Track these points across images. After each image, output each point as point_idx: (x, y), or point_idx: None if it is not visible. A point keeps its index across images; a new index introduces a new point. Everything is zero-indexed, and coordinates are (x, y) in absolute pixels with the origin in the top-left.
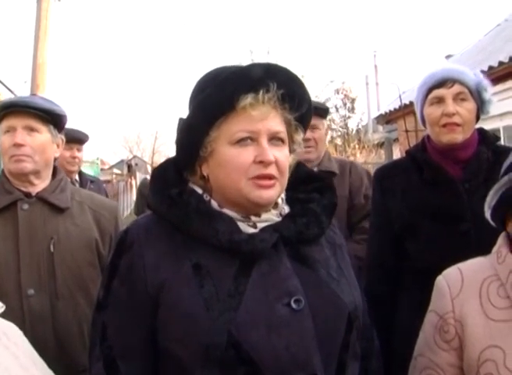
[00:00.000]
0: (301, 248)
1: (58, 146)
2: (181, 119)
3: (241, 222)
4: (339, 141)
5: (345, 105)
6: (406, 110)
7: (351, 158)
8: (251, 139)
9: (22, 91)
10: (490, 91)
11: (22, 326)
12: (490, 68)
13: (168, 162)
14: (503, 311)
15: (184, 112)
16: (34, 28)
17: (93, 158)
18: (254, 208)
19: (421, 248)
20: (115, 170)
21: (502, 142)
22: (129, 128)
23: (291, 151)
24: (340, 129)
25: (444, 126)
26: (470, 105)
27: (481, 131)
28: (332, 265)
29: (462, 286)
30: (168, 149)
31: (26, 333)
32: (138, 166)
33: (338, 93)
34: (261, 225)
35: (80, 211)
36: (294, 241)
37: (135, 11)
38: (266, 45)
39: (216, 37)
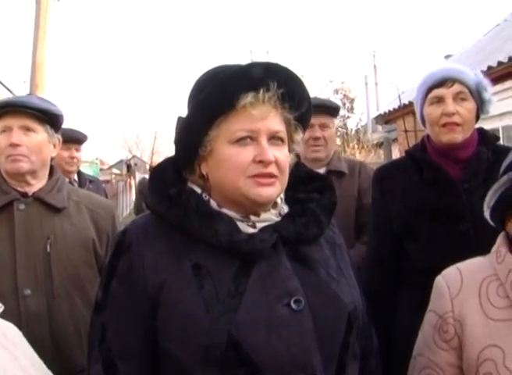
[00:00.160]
0: (300, 248)
1: (54, 146)
2: (180, 118)
3: (240, 222)
4: (338, 141)
5: (344, 105)
6: (405, 110)
7: None
8: (251, 138)
9: (21, 91)
10: (490, 90)
11: (18, 327)
12: (489, 68)
13: (167, 162)
14: (502, 310)
15: (183, 112)
16: (33, 28)
17: (92, 158)
18: (253, 207)
19: (421, 248)
20: (115, 170)
21: (501, 142)
22: (128, 128)
23: (290, 150)
24: (339, 129)
25: (444, 125)
26: (470, 105)
27: (481, 131)
28: (332, 265)
29: (461, 286)
30: (167, 149)
31: (22, 334)
32: (137, 166)
33: (337, 93)
34: (260, 225)
35: (77, 211)
36: (293, 241)
37: (134, 11)
38: (266, 45)
39: (216, 36)
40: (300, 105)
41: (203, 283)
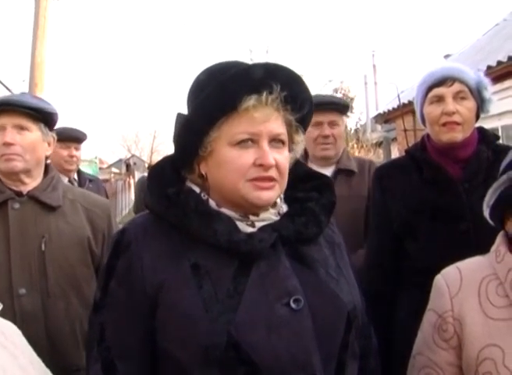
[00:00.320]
0: (300, 247)
1: (49, 144)
2: (179, 115)
3: (239, 221)
4: None
5: None
6: (404, 109)
7: None
8: (252, 141)
9: (20, 90)
10: (490, 89)
11: None
12: (489, 67)
13: (166, 161)
14: (501, 310)
15: (183, 111)
16: (33, 27)
17: (91, 157)
18: (252, 209)
19: (421, 248)
20: (114, 169)
21: (500, 141)
22: (127, 127)
23: (290, 150)
24: None
25: (444, 125)
26: (470, 104)
27: (481, 130)
28: (331, 264)
29: (461, 285)
30: (166, 148)
31: None
32: (136, 165)
33: (336, 92)
34: (259, 224)
35: (73, 209)
36: (293, 240)
37: (133, 9)
38: (265, 44)
39: (215, 36)
40: (303, 107)
41: (202, 283)
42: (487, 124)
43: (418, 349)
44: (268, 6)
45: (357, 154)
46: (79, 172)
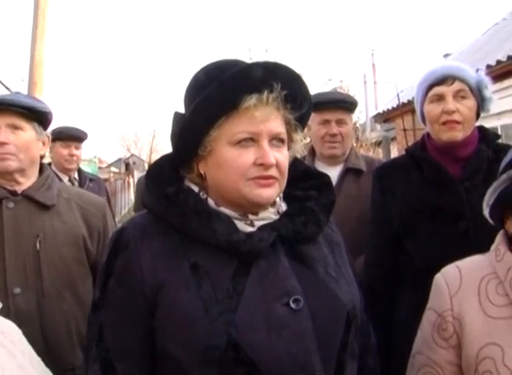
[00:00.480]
0: (299, 246)
1: (44, 144)
2: (177, 114)
3: (238, 220)
4: None
5: None
6: (404, 109)
7: None
8: (252, 140)
9: (19, 89)
10: (490, 88)
11: None
12: (488, 67)
13: (164, 160)
14: (501, 308)
15: (181, 110)
16: (32, 26)
17: (90, 156)
18: (252, 208)
19: (421, 247)
20: (113, 169)
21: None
22: (126, 126)
23: (288, 148)
24: None
25: (444, 123)
26: (470, 103)
27: (481, 129)
28: (330, 263)
29: (460, 284)
30: (165, 148)
31: None
32: (136, 165)
33: None
34: (258, 223)
35: (68, 208)
36: (292, 239)
37: (133, 9)
38: (264, 43)
39: (214, 35)
40: (302, 106)
41: (201, 283)
42: (486, 123)
43: (418, 348)
44: (268, 5)
45: None
46: (79, 171)
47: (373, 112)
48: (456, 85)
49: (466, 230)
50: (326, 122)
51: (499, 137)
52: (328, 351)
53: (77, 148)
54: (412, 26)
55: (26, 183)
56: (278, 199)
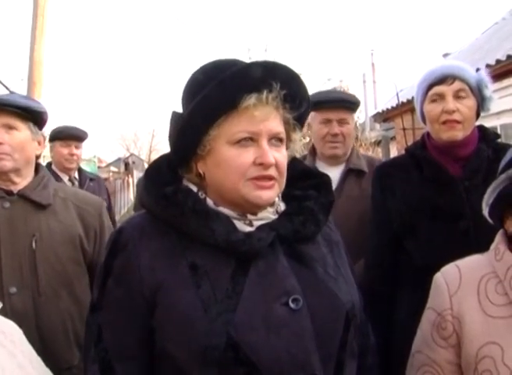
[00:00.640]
0: (298, 246)
1: (39, 143)
2: (175, 114)
3: (237, 220)
4: None
5: None
6: (403, 108)
7: None
8: (252, 139)
9: (19, 89)
10: (490, 87)
11: None
12: (488, 66)
13: (162, 159)
14: (501, 308)
15: (180, 109)
16: (31, 26)
17: (90, 156)
18: (251, 208)
19: (421, 246)
20: (112, 168)
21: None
22: (126, 126)
23: (286, 148)
24: None
25: (444, 123)
26: (470, 102)
27: (481, 128)
28: (329, 262)
29: (460, 283)
30: (165, 147)
31: None
32: (135, 164)
33: None
34: (257, 223)
35: (64, 207)
36: (291, 239)
37: (132, 8)
38: (264, 43)
39: (214, 34)
40: (301, 106)
41: (200, 283)
42: (486, 123)
43: (417, 347)
44: (267, 5)
45: None
46: (80, 170)
47: (372, 112)
48: (457, 85)
49: (466, 230)
50: (328, 121)
51: (499, 136)
52: (327, 350)
53: (77, 147)
54: (411, 26)
55: (21, 182)
56: (277, 199)
